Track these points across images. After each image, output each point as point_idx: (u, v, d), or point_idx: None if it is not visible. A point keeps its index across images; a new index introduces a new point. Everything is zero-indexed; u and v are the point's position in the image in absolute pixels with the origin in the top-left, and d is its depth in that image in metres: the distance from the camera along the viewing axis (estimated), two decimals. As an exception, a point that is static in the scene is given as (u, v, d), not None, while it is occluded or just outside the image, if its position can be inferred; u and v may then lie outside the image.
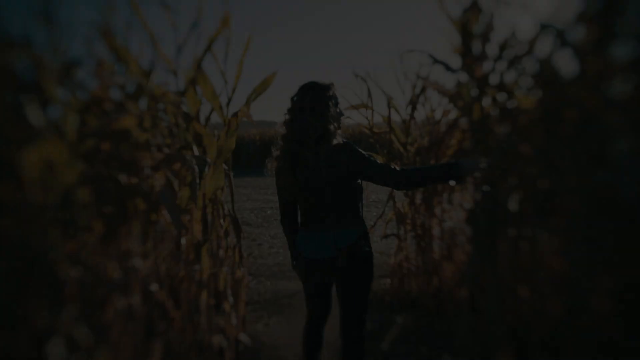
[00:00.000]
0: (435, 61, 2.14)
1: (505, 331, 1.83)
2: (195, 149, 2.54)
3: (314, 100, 2.04)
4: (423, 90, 3.62)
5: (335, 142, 2.04)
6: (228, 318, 2.64)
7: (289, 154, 2.07)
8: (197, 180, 2.07)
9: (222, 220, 3.21)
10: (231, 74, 3.07)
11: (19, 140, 1.40)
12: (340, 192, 2.06)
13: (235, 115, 2.50)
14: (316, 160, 2.02)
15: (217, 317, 3.13)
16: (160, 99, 2.24)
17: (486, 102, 2.06)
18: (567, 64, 1.56)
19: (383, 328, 3.43)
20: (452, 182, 2.07)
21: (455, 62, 2.19)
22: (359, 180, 2.15)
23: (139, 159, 2.11)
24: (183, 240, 2.10)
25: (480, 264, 1.91)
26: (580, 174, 1.50)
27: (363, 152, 2.06)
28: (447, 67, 2.18)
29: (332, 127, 2.04)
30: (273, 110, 2.27)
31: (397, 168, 2.02)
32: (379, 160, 3.97)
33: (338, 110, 2.13)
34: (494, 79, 1.97)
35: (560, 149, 1.58)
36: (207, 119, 3.37)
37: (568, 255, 1.74)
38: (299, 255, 2.22)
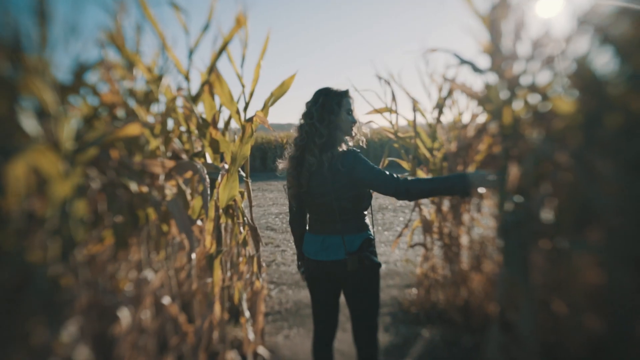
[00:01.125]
0: (462, 61, 1.99)
1: (539, 350, 1.68)
2: (208, 156, 2.45)
3: (323, 107, 2.04)
4: (450, 92, 3.46)
5: (340, 149, 2.03)
6: (244, 332, 2.53)
7: (295, 158, 2.09)
8: (208, 190, 1.96)
9: (241, 229, 3.12)
10: (248, 77, 2.98)
11: (12, 149, 1.32)
12: (345, 199, 2.02)
13: (250, 120, 2.40)
14: (320, 167, 2.01)
15: (232, 331, 3.04)
16: (172, 105, 2.15)
17: (517, 105, 1.91)
18: (607, 63, 1.42)
19: (408, 342, 3.28)
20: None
21: (484, 62, 2.05)
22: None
23: (149, 167, 2.02)
24: (193, 254, 1.99)
25: (512, 277, 1.77)
26: (623, 184, 1.37)
27: (367, 160, 2.01)
28: (475, 68, 2.04)
29: (338, 134, 2.05)
30: (298, 113, 2.19)
31: (401, 178, 1.96)
32: (405, 166, 3.83)
33: (350, 118, 2.10)
34: (525, 80, 1.82)
35: (601, 156, 1.43)
36: (227, 123, 3.29)
37: (608, 271, 1.60)
38: (303, 258, 2.25)
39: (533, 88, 1.72)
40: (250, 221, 2.91)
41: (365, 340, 2.13)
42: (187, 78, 2.32)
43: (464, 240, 3.55)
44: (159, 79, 2.14)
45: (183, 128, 2.85)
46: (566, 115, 1.41)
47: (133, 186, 2.08)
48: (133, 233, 2.18)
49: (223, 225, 2.96)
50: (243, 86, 2.86)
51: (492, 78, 1.98)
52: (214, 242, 2.26)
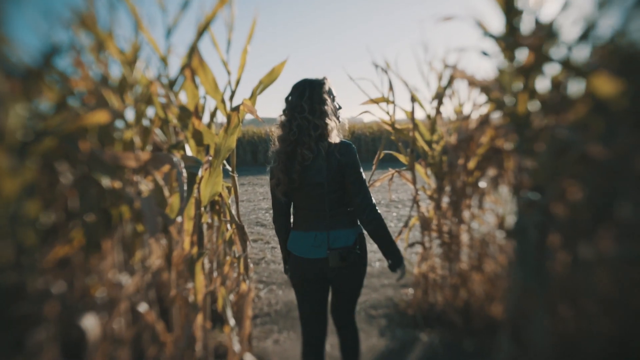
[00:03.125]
0: (486, 34, 1.80)
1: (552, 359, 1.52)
2: (190, 148, 2.23)
3: (312, 99, 2.00)
4: (450, 81, 3.25)
5: (334, 140, 2.00)
6: (229, 343, 2.32)
7: (284, 154, 2.01)
8: (184, 186, 1.75)
9: (228, 226, 2.91)
10: (234, 64, 2.76)
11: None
12: (337, 192, 2.01)
13: (236, 109, 2.18)
14: (316, 159, 1.97)
15: (217, 336, 2.83)
16: (147, 91, 1.93)
17: (534, 91, 1.71)
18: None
19: (405, 346, 3.09)
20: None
21: (494, 46, 1.85)
22: None
23: (122, 160, 1.80)
24: (156, 259, 1.77)
25: (526, 283, 1.59)
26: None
27: (357, 160, 2.01)
28: (494, 38, 1.83)
29: (332, 123, 2.01)
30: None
31: (371, 205, 1.98)
32: (402, 160, 3.63)
33: (336, 104, 2.10)
34: (544, 64, 1.62)
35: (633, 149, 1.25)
36: (213, 114, 3.08)
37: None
38: (289, 257, 2.17)
39: (566, 64, 1.52)
40: (237, 219, 2.70)
41: (347, 321, 2.23)
42: (164, 61, 2.09)
43: (465, 238, 3.37)
44: (132, 61, 1.92)
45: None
46: (606, 98, 1.20)
47: (105, 181, 1.87)
48: (106, 233, 1.97)
49: (206, 224, 2.75)
50: (229, 73, 2.64)
51: (504, 62, 1.79)
52: (195, 243, 2.05)
